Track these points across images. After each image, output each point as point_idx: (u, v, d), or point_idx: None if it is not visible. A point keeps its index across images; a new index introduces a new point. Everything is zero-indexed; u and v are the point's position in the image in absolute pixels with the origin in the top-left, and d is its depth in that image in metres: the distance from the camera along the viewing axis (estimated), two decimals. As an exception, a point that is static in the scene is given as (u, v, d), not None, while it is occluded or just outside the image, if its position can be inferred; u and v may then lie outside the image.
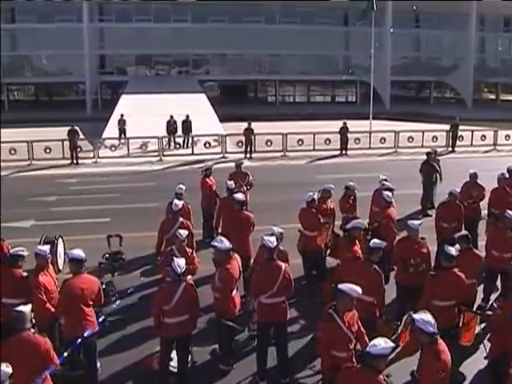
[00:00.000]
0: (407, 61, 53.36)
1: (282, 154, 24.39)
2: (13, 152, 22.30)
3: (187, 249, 7.99)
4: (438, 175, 14.82)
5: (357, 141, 25.22)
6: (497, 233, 8.84)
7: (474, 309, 7.61)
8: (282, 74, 50.51)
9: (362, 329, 5.87)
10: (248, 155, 23.41)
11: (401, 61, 51.79)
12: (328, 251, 9.93)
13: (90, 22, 45.72)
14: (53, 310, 6.74)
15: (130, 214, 14.43)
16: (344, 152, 24.60)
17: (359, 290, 5.58)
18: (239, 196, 9.65)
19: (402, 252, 8.04)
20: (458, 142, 25.90)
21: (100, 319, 6.94)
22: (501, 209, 9.71)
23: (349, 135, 24.64)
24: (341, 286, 5.62)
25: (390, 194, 10.04)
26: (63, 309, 6.53)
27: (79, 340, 6.38)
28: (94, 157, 23.14)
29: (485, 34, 53.63)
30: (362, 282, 5.90)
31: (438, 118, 36.56)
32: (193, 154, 23.80)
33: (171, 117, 25.98)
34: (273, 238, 7.02)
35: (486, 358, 6.71)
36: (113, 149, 23.95)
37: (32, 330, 5.34)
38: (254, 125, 23.99)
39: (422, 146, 24.00)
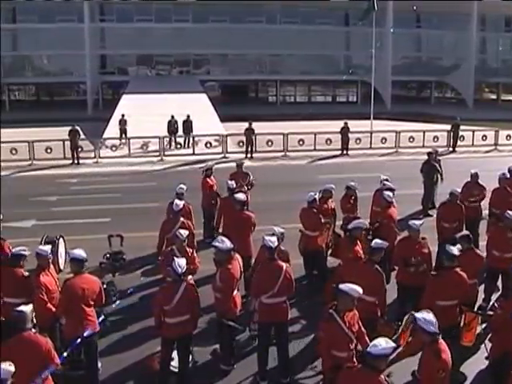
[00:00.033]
0: (408, 61, 53.34)
1: (282, 153, 24.38)
2: (14, 152, 22.28)
3: (188, 249, 7.98)
4: (438, 175, 14.80)
5: (358, 141, 25.21)
6: (498, 233, 8.84)
7: (475, 309, 7.61)
8: (282, 73, 50.52)
9: (363, 329, 5.86)
10: (249, 155, 23.40)
11: (402, 61, 51.77)
12: (329, 251, 9.97)
13: (91, 22, 45.72)
14: (54, 309, 6.74)
15: (130, 214, 14.43)
16: (345, 152, 24.59)
17: (360, 290, 5.58)
18: (240, 196, 9.65)
19: (403, 252, 8.02)
20: (458, 142, 25.87)
21: (101, 319, 6.95)
22: (502, 209, 9.68)
23: (350, 135, 24.64)
24: (342, 286, 5.62)
25: (390, 194, 10.03)
26: (64, 309, 6.54)
27: (80, 340, 6.39)
28: (94, 157, 23.15)
29: (486, 34, 53.63)
30: (363, 282, 5.91)
31: (438, 117, 36.59)
32: (194, 153, 23.77)
33: (172, 117, 25.97)
34: (274, 238, 7.03)
35: (486, 358, 6.70)
36: (114, 149, 23.95)
37: (33, 330, 5.34)
38: (254, 125, 23.96)
39: (423, 146, 23.96)
